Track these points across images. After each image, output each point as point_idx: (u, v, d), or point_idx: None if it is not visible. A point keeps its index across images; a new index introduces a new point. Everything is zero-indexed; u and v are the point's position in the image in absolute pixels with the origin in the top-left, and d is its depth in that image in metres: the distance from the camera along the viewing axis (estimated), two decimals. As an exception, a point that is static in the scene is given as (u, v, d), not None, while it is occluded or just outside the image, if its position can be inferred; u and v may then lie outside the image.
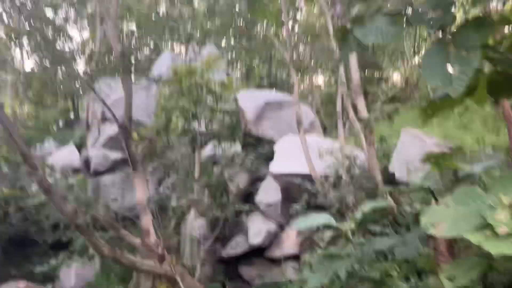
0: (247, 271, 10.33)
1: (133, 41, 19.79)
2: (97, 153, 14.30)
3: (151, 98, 16.77)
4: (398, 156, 9.76)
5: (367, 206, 3.82)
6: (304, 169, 10.00)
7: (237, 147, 14.82)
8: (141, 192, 8.73)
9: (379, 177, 8.05)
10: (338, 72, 16.55)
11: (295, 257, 10.04)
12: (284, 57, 11.49)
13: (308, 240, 9.49)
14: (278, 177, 10.05)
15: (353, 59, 8.30)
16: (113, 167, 14.62)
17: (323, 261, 3.99)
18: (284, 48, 9.53)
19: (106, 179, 14.03)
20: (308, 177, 9.84)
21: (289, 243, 10.16)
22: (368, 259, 4.02)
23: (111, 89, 15.98)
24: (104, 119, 16.25)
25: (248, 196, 11.55)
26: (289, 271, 9.70)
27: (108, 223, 8.50)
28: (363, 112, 8.09)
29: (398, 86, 17.68)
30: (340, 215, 8.53)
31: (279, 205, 10.37)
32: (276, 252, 10.17)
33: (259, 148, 12.00)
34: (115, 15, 8.92)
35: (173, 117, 11.37)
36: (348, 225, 3.90)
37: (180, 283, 7.65)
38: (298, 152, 11.05)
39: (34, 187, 13.36)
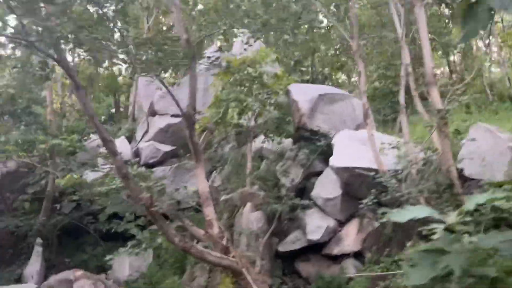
0: (305, 268, 10.05)
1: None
2: (148, 146, 14.34)
3: (199, 91, 16.71)
4: (467, 151, 9.25)
5: (480, 198, 3.49)
6: (369, 164, 9.64)
7: (286, 141, 14.60)
8: (203, 182, 8.59)
9: (454, 173, 7.63)
10: (395, 65, 16.15)
11: (356, 255, 9.72)
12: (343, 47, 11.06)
13: (373, 237, 9.17)
14: (340, 171, 9.71)
15: (427, 45, 7.89)
16: (163, 159, 14.63)
17: (427, 256, 3.66)
18: (349, 37, 9.16)
19: (157, 171, 13.97)
20: (373, 172, 9.49)
21: (349, 240, 9.82)
22: (483, 255, 3.68)
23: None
24: (153, 112, 16.32)
25: (301, 191, 11.28)
26: (350, 269, 9.36)
27: (174, 213, 8.39)
28: (437, 103, 7.67)
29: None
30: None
31: (339, 201, 10.05)
32: (335, 249, 9.85)
33: (313, 142, 11.68)
34: (179, 2, 8.80)
35: (230, 109, 11.22)
36: (455, 218, 3.56)
37: (248, 277, 7.44)
38: (360, 147, 10.71)
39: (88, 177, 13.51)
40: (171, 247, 11.47)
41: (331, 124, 12.01)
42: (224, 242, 7.79)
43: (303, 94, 12.21)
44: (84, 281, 10.40)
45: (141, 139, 15.56)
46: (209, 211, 8.28)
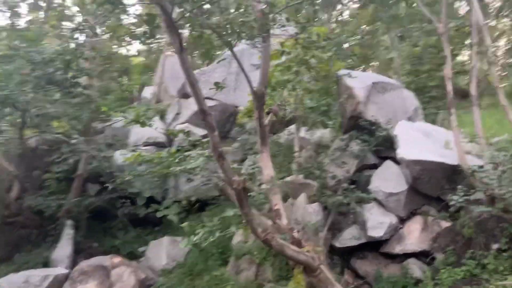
0: (362, 266, 9.37)
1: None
2: (182, 128, 13.53)
3: (232, 75, 15.99)
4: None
5: None
6: (440, 158, 8.98)
7: (324, 131, 13.90)
8: (269, 168, 7.86)
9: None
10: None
11: (417, 255, 9.06)
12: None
13: (446, 236, 8.49)
14: (411, 164, 9.00)
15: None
16: (196, 144, 13.86)
17: None
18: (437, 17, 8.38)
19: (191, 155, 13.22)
20: (451, 168, 8.85)
21: (412, 238, 9.14)
22: None
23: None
24: (184, 94, 15.55)
25: (353, 184, 10.58)
26: (414, 269, 8.69)
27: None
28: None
29: None
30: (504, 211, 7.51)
31: (404, 196, 9.35)
32: (396, 248, 9.16)
33: (368, 133, 10.95)
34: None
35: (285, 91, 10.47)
36: None
37: (326, 274, 6.76)
38: (424, 139, 10.04)
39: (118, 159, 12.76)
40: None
41: (384, 114, 11.27)
42: (295, 234, 7.08)
43: (357, 80, 11.43)
44: (122, 268, 9.69)
45: (171, 121, 14.80)
46: (277, 200, 7.57)
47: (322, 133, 13.90)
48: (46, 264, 11.05)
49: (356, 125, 11.39)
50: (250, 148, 14.60)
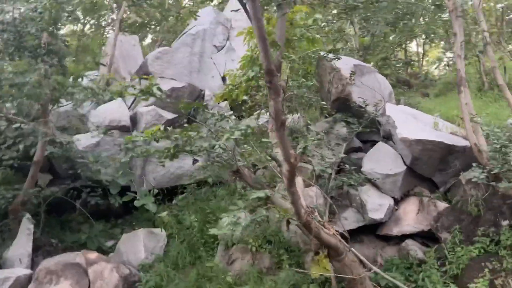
0: (359, 249, 9.04)
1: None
2: (149, 111, 12.41)
3: (195, 55, 15.04)
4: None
5: None
6: (443, 139, 8.98)
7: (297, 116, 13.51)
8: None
9: None
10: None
11: (415, 235, 9.02)
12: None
13: (449, 215, 8.48)
14: (412, 144, 8.88)
15: None
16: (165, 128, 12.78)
17: None
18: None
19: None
20: (447, 148, 8.86)
21: (409, 219, 9.08)
22: None
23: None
24: (146, 74, 14.27)
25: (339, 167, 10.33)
26: (415, 250, 8.61)
27: (257, 183, 6.94)
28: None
29: None
30: None
31: (401, 177, 9.25)
32: (394, 230, 9.05)
33: (352, 115, 10.75)
34: None
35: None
36: None
37: (351, 257, 6.35)
38: (416, 121, 10.03)
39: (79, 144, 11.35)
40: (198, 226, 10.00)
41: (365, 97, 11.16)
42: (322, 217, 6.57)
43: (340, 62, 11.17)
44: (102, 264, 8.53)
45: (132, 103, 13.54)
46: (298, 182, 6.98)
47: (293, 118, 13.51)
48: (-4, 265, 9.48)
49: (340, 107, 11.17)
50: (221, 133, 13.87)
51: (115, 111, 12.09)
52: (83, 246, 10.60)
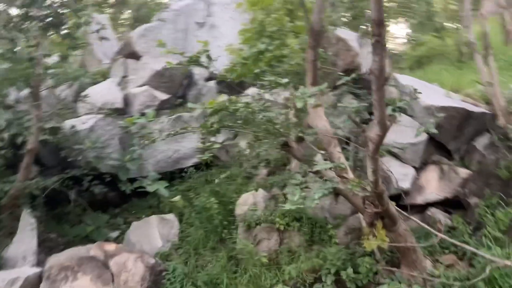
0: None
1: None
2: (143, 91, 11.62)
3: (179, 32, 14.27)
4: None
5: None
6: (463, 105, 8.98)
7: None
8: (323, 120, 6.88)
9: None
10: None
11: (438, 203, 9.03)
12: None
13: (477, 181, 8.52)
14: (436, 112, 8.78)
15: None
16: (159, 110, 12.05)
17: None
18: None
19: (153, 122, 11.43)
20: (467, 114, 8.88)
21: (431, 187, 9.06)
22: None
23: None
24: (132, 53, 13.37)
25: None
26: (441, 218, 8.62)
27: (302, 157, 6.53)
28: None
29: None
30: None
31: (423, 146, 9.18)
32: (418, 199, 9.01)
33: (360, 88, 10.55)
34: None
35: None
36: None
37: (404, 226, 6.17)
38: (429, 90, 9.99)
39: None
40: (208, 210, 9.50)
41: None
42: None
43: (344, 33, 10.90)
44: (124, 255, 7.88)
45: (122, 85, 12.63)
46: (337, 153, 6.67)
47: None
48: (-4, 266, 8.58)
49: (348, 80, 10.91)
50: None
51: (106, 93, 11.21)
52: (86, 238, 9.89)
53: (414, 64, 21.53)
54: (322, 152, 6.85)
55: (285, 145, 6.44)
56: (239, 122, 6.44)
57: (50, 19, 7.21)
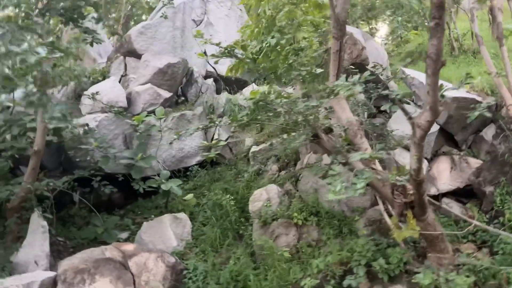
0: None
1: None
2: (146, 89, 11.39)
3: (178, 30, 14.10)
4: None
5: None
6: (472, 95, 9.09)
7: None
8: (347, 111, 6.86)
9: None
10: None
11: (451, 193, 9.13)
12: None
13: (491, 170, 8.63)
14: (449, 102, 8.88)
15: None
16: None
17: None
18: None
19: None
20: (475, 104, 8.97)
21: (444, 178, 9.15)
22: None
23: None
24: (131, 51, 13.12)
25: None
26: (454, 208, 8.71)
27: (334, 149, 6.48)
28: None
29: None
30: None
31: (434, 137, 9.26)
32: (432, 189, 9.06)
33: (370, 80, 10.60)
34: None
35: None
36: None
37: (432, 215, 6.20)
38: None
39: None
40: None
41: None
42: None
43: (349, 27, 10.91)
44: (144, 255, 7.70)
45: (122, 83, 12.38)
46: (365, 145, 6.66)
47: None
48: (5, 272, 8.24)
49: (352, 74, 10.96)
50: (213, 112, 13.21)
51: (110, 91, 10.94)
52: (94, 241, 9.63)
53: (404, 59, 21.86)
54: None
55: (315, 137, 6.39)
56: (270, 114, 6.34)
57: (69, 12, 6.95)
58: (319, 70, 6.27)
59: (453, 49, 17.42)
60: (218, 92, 14.24)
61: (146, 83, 11.61)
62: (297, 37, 9.18)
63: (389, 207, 7.84)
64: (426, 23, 19.74)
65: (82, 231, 9.57)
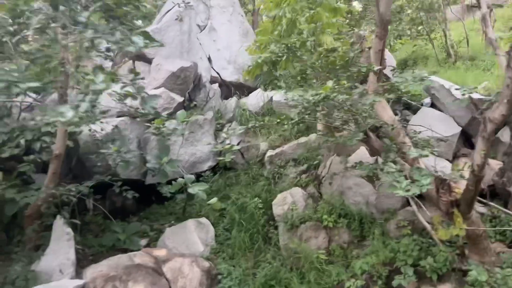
0: (423, 213, 9.16)
1: None
2: (160, 93, 11.17)
3: (185, 34, 13.98)
4: None
5: None
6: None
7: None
8: (388, 110, 6.89)
9: None
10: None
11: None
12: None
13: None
14: (474, 104, 9.02)
15: None
16: (174, 112, 11.66)
17: None
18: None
19: (170, 126, 11.01)
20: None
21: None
22: None
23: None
24: (140, 56, 12.89)
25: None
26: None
27: (383, 147, 6.47)
28: None
29: None
30: None
31: (456, 139, 9.41)
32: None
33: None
34: None
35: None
36: None
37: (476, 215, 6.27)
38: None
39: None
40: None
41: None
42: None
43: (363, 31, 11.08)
44: (178, 260, 7.50)
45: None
46: (407, 141, 6.70)
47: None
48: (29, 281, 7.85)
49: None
50: (220, 117, 13.12)
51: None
52: (112, 248, 9.30)
53: (400, 65, 22.28)
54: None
55: (365, 135, 6.39)
56: (322, 112, 6.30)
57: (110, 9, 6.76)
58: (376, 67, 6.27)
59: (450, 56, 17.86)
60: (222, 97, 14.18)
61: (159, 87, 11.41)
62: (319, 40, 9.19)
63: (423, 208, 7.92)
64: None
65: (101, 239, 9.25)
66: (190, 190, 8.77)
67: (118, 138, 9.83)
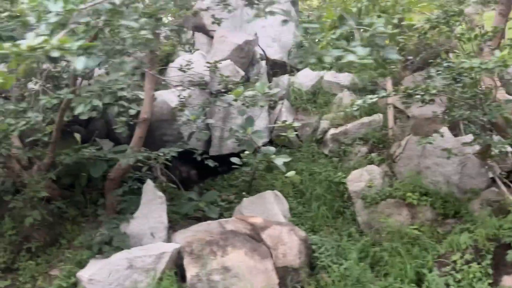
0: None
1: None
2: (227, 66, 11.07)
3: (238, 9, 13.78)
4: None
5: None
6: None
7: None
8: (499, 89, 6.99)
9: None
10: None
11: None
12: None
13: None
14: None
15: None
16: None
17: None
18: None
19: (227, 100, 10.86)
20: None
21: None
22: None
23: None
24: (199, 26, 12.72)
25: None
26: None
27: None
28: None
29: None
30: None
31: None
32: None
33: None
34: None
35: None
36: None
37: None
38: None
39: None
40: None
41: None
42: None
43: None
44: (277, 228, 7.53)
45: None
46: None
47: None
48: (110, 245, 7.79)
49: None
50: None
51: (197, 65, 10.49)
52: (186, 216, 9.26)
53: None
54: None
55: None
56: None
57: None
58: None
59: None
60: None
61: (225, 59, 11.30)
62: (407, 19, 9.19)
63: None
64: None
65: (177, 207, 9.20)
66: (276, 161, 8.77)
67: (192, 108, 9.77)
